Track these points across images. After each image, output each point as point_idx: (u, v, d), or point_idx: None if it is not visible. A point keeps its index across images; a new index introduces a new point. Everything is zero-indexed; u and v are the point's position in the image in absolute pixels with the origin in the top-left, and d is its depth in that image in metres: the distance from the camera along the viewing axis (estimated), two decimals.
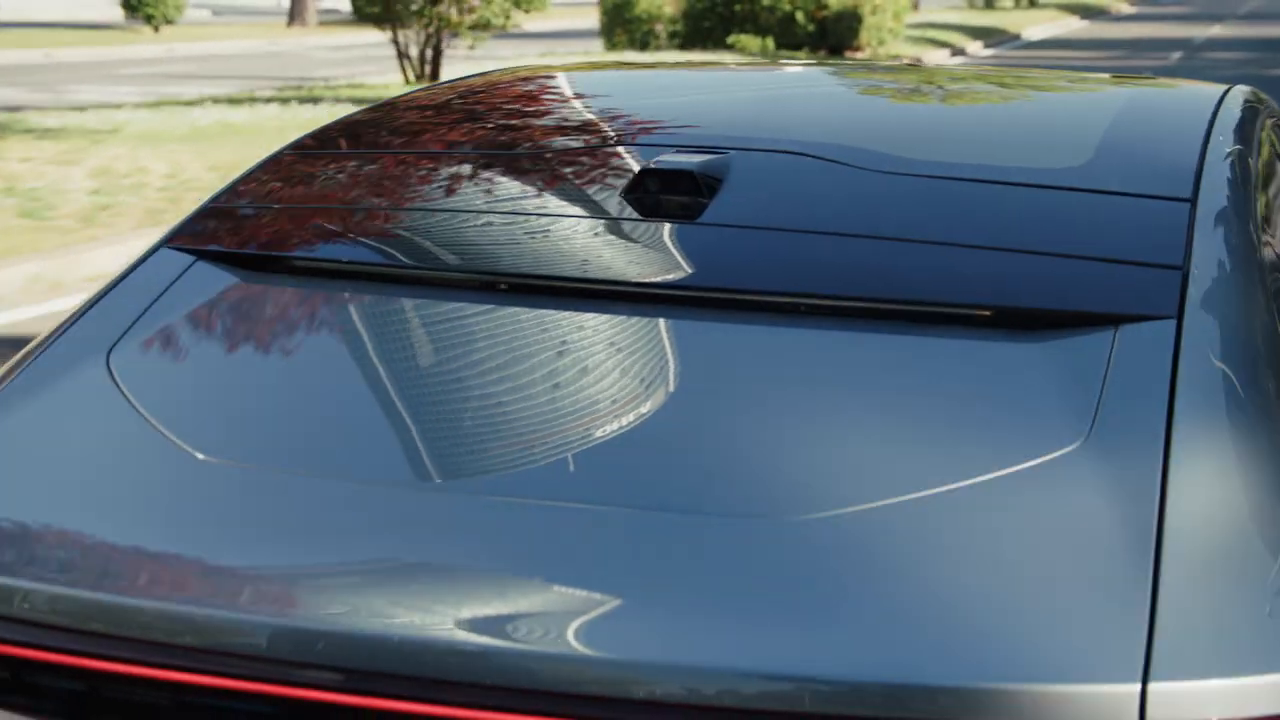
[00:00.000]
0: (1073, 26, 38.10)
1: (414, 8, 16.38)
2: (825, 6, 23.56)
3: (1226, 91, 2.52)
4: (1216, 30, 33.16)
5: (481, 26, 16.81)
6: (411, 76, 17.04)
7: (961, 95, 2.73)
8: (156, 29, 29.69)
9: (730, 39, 23.27)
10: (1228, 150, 2.14)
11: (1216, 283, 1.76)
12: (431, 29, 16.60)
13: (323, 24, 33.82)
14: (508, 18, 17.10)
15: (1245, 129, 2.30)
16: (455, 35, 16.74)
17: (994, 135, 2.36)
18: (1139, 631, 1.33)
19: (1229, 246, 1.86)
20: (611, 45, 23.41)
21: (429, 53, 16.95)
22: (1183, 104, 2.59)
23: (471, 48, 17.12)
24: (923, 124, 2.46)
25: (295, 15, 33.45)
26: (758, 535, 1.47)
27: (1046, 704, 1.29)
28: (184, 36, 29.03)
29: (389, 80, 18.15)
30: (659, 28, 18.40)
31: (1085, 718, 1.29)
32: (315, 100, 15.31)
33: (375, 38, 21.03)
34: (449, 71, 16.84)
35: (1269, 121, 2.51)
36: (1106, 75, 2.96)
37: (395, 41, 17.01)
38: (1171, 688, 1.29)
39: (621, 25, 21.01)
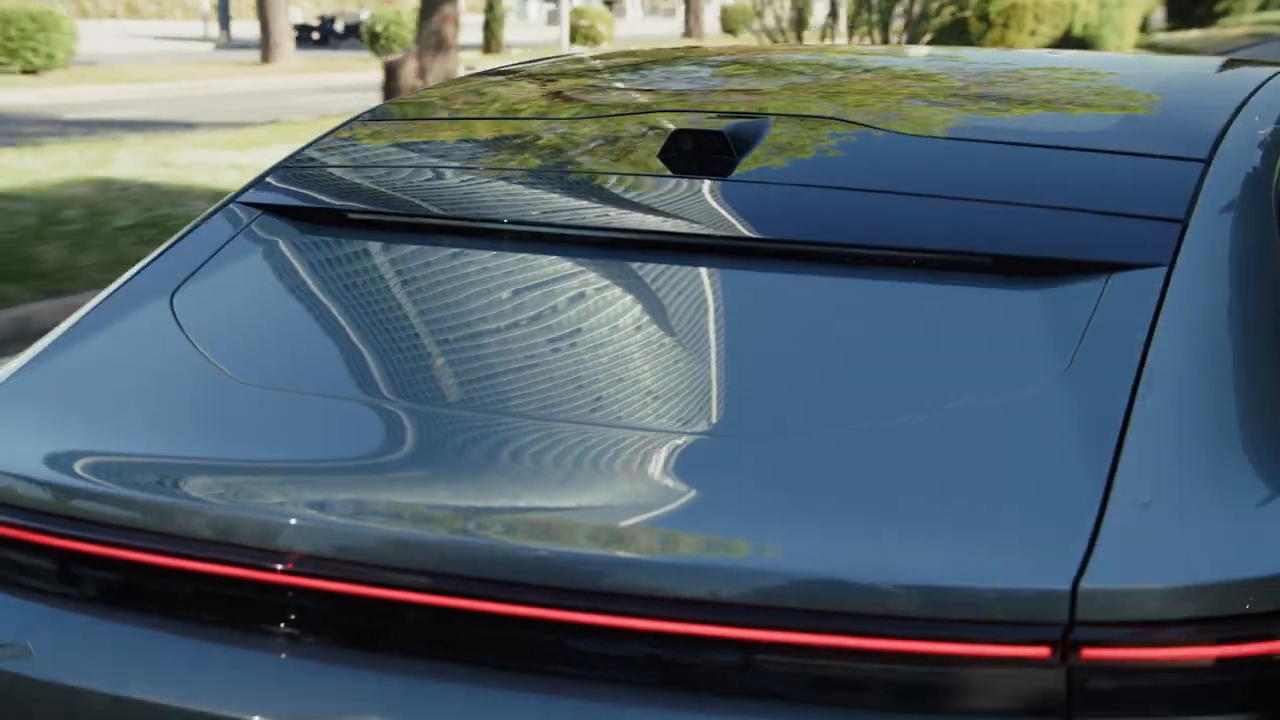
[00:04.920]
0: None
1: None
2: None
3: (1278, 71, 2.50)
4: None
5: None
6: None
7: (1003, 69, 2.74)
8: None
9: None
10: (1258, 120, 2.13)
11: (1215, 238, 1.80)
12: None
13: None
14: None
15: None
16: None
17: (1027, 102, 2.37)
18: (1081, 539, 1.43)
19: (1236, 206, 1.87)
20: None
21: None
22: (1227, 79, 2.63)
23: None
24: (957, 92, 2.47)
25: None
26: (767, 453, 1.59)
27: (979, 600, 1.41)
28: None
29: None
30: None
31: (1017, 613, 1.40)
32: None
33: None
34: None
35: None
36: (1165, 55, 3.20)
37: None
38: (1103, 589, 1.40)
39: None
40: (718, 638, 1.44)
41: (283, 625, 1.59)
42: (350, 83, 24.75)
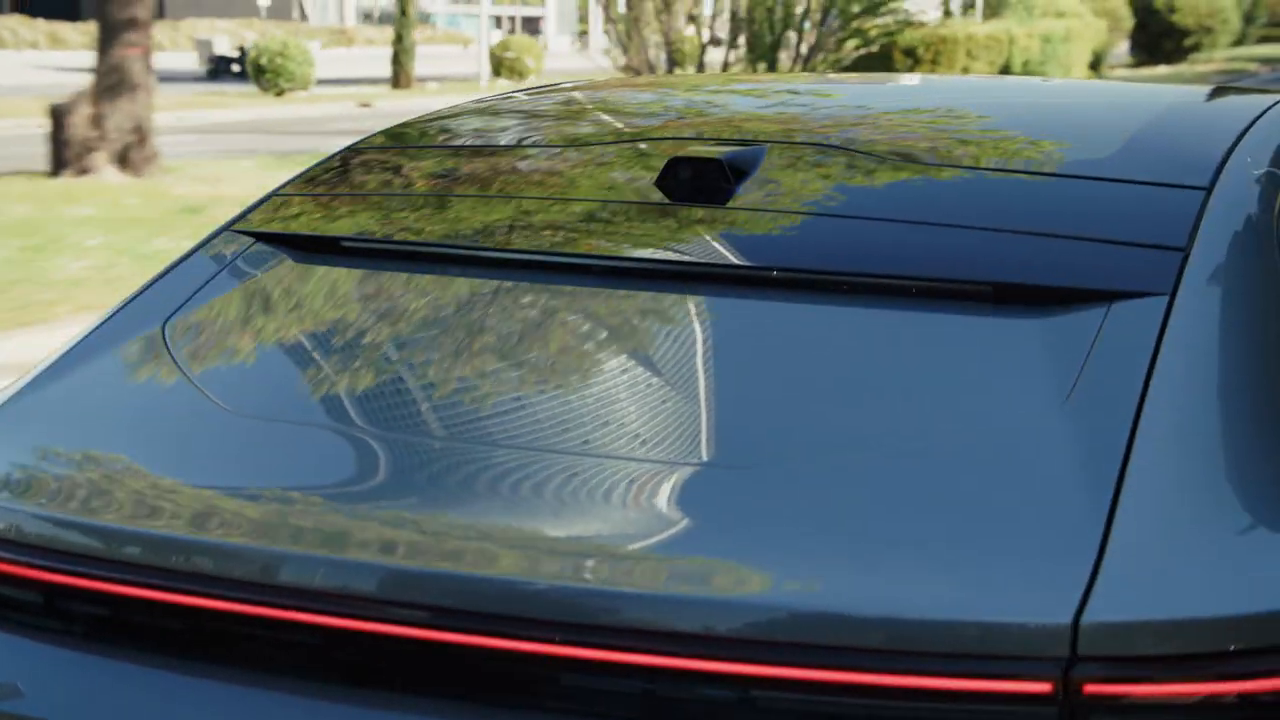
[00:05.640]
0: None
1: None
2: None
3: None
4: None
5: None
6: None
7: (1001, 94, 2.78)
8: None
9: None
10: (1260, 147, 2.11)
11: (1216, 266, 1.77)
12: None
13: None
14: None
15: None
16: None
17: (1025, 129, 2.34)
18: (1082, 572, 1.40)
19: (1237, 234, 1.85)
20: None
21: None
22: (1227, 107, 2.62)
23: None
24: (954, 118, 2.44)
25: None
26: (761, 483, 1.57)
27: (979, 634, 1.38)
28: None
29: None
30: None
31: (1018, 648, 1.38)
32: None
33: None
34: None
35: None
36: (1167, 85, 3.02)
37: None
38: (1105, 624, 1.37)
39: None
40: (712, 673, 1.41)
41: (277, 661, 1.55)
42: (203, 122, 22.52)
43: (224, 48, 41.32)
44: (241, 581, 1.53)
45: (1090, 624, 1.36)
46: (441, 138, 2.48)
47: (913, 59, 24.87)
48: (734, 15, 17.73)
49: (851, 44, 19.05)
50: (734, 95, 2.81)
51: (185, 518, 1.64)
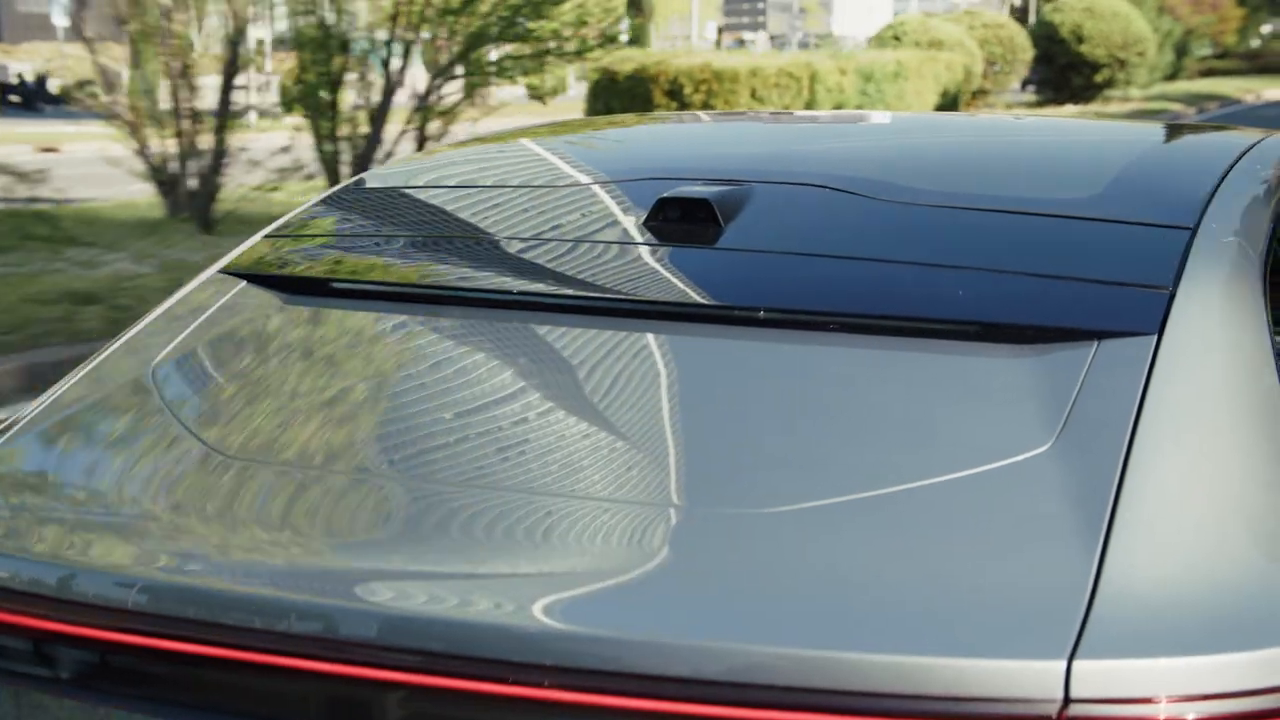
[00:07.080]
0: None
1: None
2: None
3: (1265, 137, 2.50)
4: None
5: None
6: None
7: (986, 132, 2.86)
8: None
9: None
10: (1244, 186, 2.14)
11: (1203, 305, 1.78)
12: None
13: None
14: None
15: (1271, 168, 2.29)
16: None
17: (1010, 168, 2.36)
18: (1075, 613, 1.39)
19: (1223, 273, 1.86)
20: None
21: None
22: (1213, 144, 2.64)
23: None
24: (940, 157, 2.46)
25: None
26: (753, 525, 1.56)
27: (973, 676, 1.36)
28: None
29: None
30: None
31: (1011, 690, 1.35)
32: None
33: None
34: None
35: None
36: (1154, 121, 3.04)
37: None
38: (1099, 665, 1.36)
39: None
40: (704, 716, 1.40)
41: (269, 707, 1.54)
42: None
43: (24, 73, 36.23)
44: (233, 627, 1.52)
45: (1084, 665, 1.35)
46: (431, 179, 2.48)
47: (677, 100, 19.83)
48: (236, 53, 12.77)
49: (493, 83, 14.13)
50: (720, 133, 2.83)
51: (175, 563, 1.63)
